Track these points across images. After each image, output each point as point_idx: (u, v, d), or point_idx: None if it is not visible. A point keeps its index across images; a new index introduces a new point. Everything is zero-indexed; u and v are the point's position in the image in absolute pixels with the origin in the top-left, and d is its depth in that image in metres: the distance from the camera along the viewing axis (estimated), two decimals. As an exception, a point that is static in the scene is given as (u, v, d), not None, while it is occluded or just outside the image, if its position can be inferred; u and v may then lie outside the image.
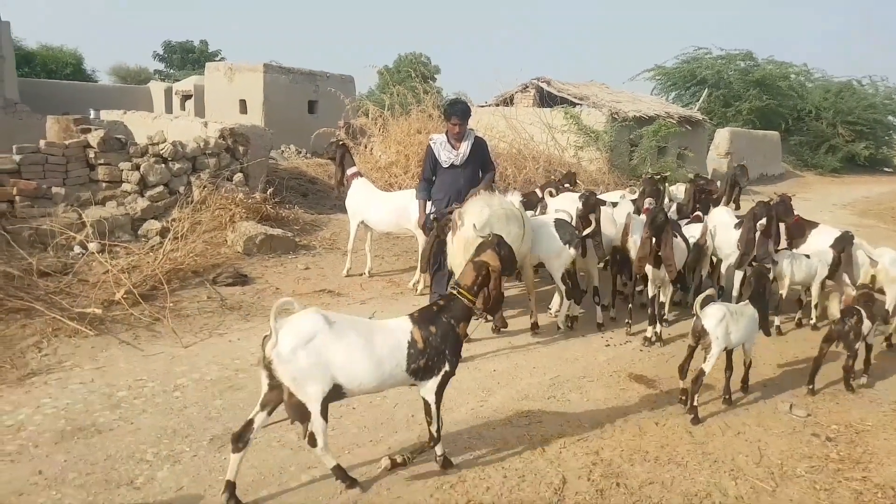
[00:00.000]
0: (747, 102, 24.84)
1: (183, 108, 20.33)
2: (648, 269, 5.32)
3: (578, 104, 15.50)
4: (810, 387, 4.73)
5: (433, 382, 3.25)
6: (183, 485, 3.20)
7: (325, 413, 2.99)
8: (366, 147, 11.04)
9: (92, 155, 7.02)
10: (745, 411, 4.36)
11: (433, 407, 3.27)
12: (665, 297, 5.65)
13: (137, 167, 7.16)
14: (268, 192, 8.13)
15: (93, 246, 6.19)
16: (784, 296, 6.08)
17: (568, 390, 4.49)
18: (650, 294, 5.52)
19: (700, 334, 4.20)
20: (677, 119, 16.26)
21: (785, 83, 26.65)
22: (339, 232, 8.20)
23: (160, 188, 7.27)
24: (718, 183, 8.13)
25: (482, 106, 16.97)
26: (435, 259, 5.54)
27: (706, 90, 24.00)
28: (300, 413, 3.02)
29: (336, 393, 3.04)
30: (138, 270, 5.91)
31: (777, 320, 6.06)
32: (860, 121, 26.89)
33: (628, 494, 3.33)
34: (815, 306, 6.22)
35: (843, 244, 5.86)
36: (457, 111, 5.41)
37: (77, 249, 6.22)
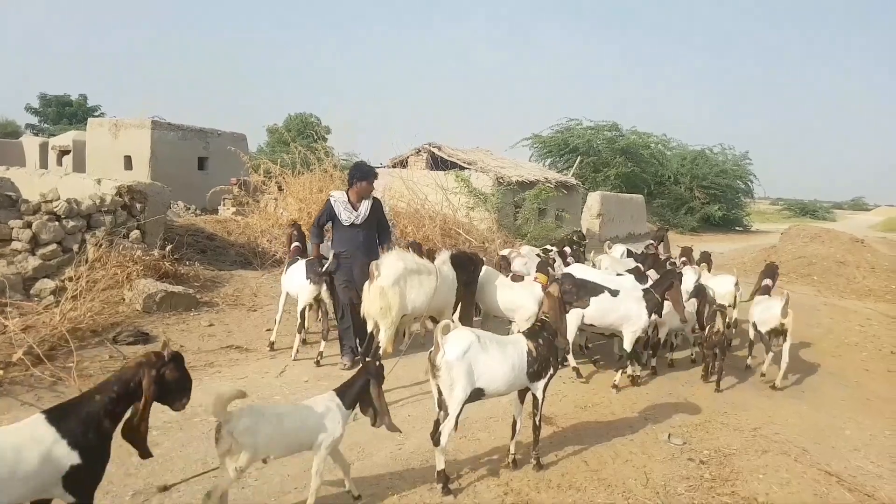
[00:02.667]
0: (614, 169, 27.19)
1: (60, 163, 19.41)
2: None
3: (467, 168, 16.38)
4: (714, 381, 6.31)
5: (542, 382, 4.11)
6: (110, 540, 3.23)
7: (459, 416, 3.80)
8: (266, 205, 11.17)
9: (-21, 212, 6.77)
10: (631, 441, 4.87)
11: (541, 402, 4.17)
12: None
13: (29, 225, 6.95)
14: (166, 249, 8.06)
15: (-19, 306, 5.95)
16: None
17: (477, 430, 4.85)
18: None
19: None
20: (554, 184, 17.55)
21: (647, 151, 29.52)
22: (241, 288, 8.24)
23: (53, 246, 7.06)
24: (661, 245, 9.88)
25: (378, 167, 17.53)
26: (340, 313, 5.98)
27: (578, 157, 26.00)
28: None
29: (477, 395, 3.85)
30: (34, 330, 5.73)
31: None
32: (713, 185, 30.31)
33: (538, 518, 3.71)
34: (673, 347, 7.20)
35: (700, 292, 6.65)
36: (373, 173, 6.05)
37: (-36, 310, 5.95)
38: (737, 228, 33.18)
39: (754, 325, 6.90)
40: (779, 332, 6.58)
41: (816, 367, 7.49)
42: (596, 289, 5.84)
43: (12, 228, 6.88)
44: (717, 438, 5.08)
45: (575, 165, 24.67)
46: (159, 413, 4.67)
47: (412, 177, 14.51)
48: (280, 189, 11.33)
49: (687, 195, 30.37)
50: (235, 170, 15.31)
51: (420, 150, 18.35)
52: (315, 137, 13.13)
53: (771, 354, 6.88)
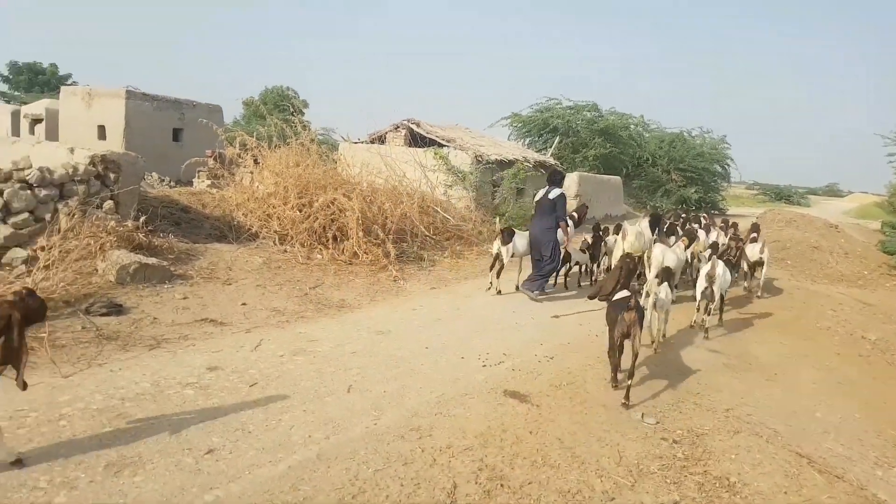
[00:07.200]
0: (593, 149, 27.11)
1: (32, 132, 18.97)
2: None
3: (446, 146, 16.23)
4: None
5: None
6: (83, 509, 3.21)
7: None
8: (241, 178, 11.02)
9: (-51, 179, 6.59)
10: (606, 421, 4.92)
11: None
12: None
13: (0, 193, 6.78)
14: (140, 221, 7.92)
15: (-50, 274, 5.81)
16: None
17: (452, 407, 4.86)
18: None
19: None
20: (533, 163, 17.46)
21: (625, 133, 29.46)
22: (216, 262, 8.13)
23: (25, 215, 6.91)
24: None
25: (356, 142, 17.36)
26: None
27: (557, 138, 25.93)
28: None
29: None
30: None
31: None
32: (690, 168, 30.35)
33: (511, 493, 3.73)
34: None
35: None
36: None
37: (-69, 278, 5.81)
38: (713, 212, 33.41)
39: (746, 260, 10.19)
40: (759, 263, 10.05)
41: (789, 350, 7.62)
42: None
43: (-18, 196, 6.72)
44: (690, 419, 5.15)
45: (554, 145, 24.62)
46: (131, 385, 4.68)
47: (390, 153, 14.40)
48: (256, 162, 11.18)
49: (664, 177, 30.46)
50: (210, 142, 15.07)
51: (399, 126, 18.11)
52: (292, 111, 12.94)
53: (757, 280, 10.26)
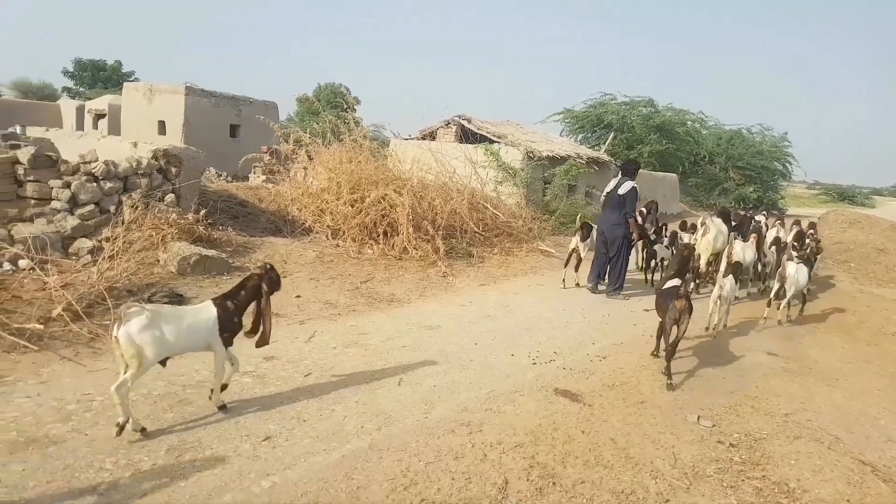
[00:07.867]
0: (648, 146, 26.46)
1: (96, 126, 19.72)
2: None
3: (497, 142, 16.14)
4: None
5: None
6: (146, 491, 3.31)
7: None
8: (296, 174, 11.21)
9: (21, 171, 6.88)
10: (660, 423, 4.84)
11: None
12: None
13: (68, 185, 7.07)
14: (200, 214, 8.15)
15: (23, 262, 6.09)
16: None
17: (503, 403, 4.86)
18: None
19: None
20: (586, 160, 17.19)
21: (682, 129, 28.66)
22: (272, 255, 8.30)
23: (91, 207, 7.19)
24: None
25: (406, 139, 17.45)
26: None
27: (612, 134, 25.47)
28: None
29: None
30: (73, 288, 5.86)
31: None
32: (749, 166, 29.41)
33: (563, 492, 3.71)
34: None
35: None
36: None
37: (6, 266, 6.09)
38: (773, 212, 32.36)
39: None
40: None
41: (851, 355, 7.35)
42: None
43: (52, 188, 7.01)
44: (748, 422, 5.02)
45: (608, 142, 24.22)
46: (191, 372, 4.83)
47: (441, 149, 14.39)
48: (310, 158, 11.37)
49: (722, 175, 29.62)
50: (266, 138, 15.42)
51: (449, 123, 18.10)
52: (344, 107, 13.12)
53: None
